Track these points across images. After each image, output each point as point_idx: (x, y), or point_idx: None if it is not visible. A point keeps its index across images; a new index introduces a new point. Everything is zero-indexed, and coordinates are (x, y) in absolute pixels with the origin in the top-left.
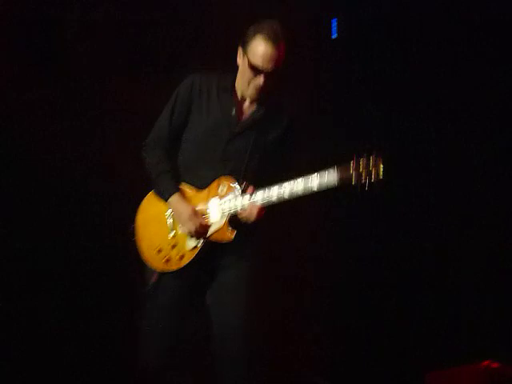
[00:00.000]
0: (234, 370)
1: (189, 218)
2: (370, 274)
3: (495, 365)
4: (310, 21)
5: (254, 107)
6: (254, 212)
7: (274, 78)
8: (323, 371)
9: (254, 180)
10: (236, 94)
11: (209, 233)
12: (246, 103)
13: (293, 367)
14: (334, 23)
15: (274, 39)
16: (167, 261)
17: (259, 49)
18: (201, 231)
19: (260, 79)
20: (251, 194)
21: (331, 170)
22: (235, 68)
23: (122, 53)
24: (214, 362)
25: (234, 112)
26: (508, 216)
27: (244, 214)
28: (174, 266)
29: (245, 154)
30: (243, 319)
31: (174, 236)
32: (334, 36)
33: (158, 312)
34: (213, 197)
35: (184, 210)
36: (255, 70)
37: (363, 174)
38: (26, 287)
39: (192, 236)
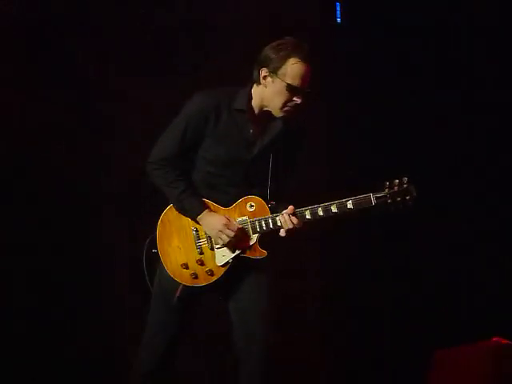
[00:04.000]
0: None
1: (224, 227)
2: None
3: (504, 341)
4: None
5: (270, 125)
6: (293, 228)
7: (307, 96)
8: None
9: (278, 196)
10: (252, 112)
11: (240, 250)
12: (262, 122)
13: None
14: (338, 7)
15: (307, 58)
16: (195, 277)
17: (297, 70)
18: (235, 240)
19: (299, 99)
20: (289, 214)
21: (368, 194)
22: (243, 81)
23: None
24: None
25: (251, 132)
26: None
27: (284, 232)
28: (204, 281)
29: (267, 172)
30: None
31: (200, 252)
32: (338, 21)
33: (167, 314)
34: (242, 215)
35: (218, 221)
36: (294, 91)
37: (398, 194)
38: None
39: (230, 246)
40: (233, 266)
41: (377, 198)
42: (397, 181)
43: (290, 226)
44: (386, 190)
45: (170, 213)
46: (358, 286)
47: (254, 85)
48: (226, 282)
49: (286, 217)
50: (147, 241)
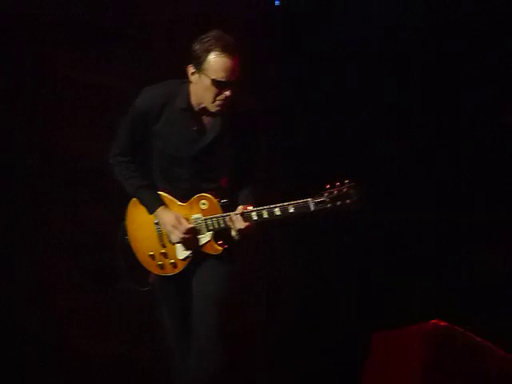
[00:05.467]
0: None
1: (175, 227)
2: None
3: (442, 324)
4: None
5: (214, 119)
6: (243, 229)
7: (237, 87)
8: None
9: (230, 190)
10: (194, 110)
11: (198, 246)
12: (206, 117)
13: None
14: None
15: (229, 51)
16: (161, 267)
17: (219, 64)
18: (188, 238)
19: (227, 92)
20: (241, 213)
21: (307, 201)
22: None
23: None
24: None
25: (195, 129)
26: None
27: (234, 232)
28: (169, 271)
29: (216, 165)
30: (218, 292)
31: (163, 245)
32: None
33: (167, 311)
34: (196, 213)
35: (170, 219)
36: (220, 84)
37: (338, 198)
38: None
39: (181, 243)
40: (195, 258)
41: (316, 203)
42: (337, 183)
43: (238, 227)
44: (326, 195)
45: (135, 204)
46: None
47: (191, 84)
48: (190, 272)
49: (234, 217)
50: (119, 228)
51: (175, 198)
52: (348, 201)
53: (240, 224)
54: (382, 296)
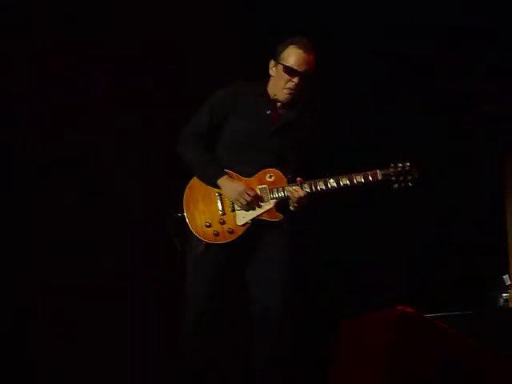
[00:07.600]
0: (276, 329)
1: (243, 191)
2: None
3: (408, 310)
4: None
5: (286, 109)
6: (301, 200)
7: (305, 82)
8: None
9: (292, 173)
10: (269, 97)
11: (259, 212)
12: (279, 106)
13: None
14: None
15: (305, 48)
16: (217, 234)
17: (293, 54)
18: (254, 202)
19: (295, 80)
20: (300, 185)
21: (375, 170)
22: (264, 76)
23: None
24: (254, 326)
25: (269, 112)
26: None
27: (293, 202)
28: (223, 239)
29: (282, 149)
30: (285, 284)
31: (223, 213)
32: None
33: (201, 278)
34: (261, 184)
35: (237, 185)
36: (290, 72)
37: (401, 173)
38: None
39: (245, 208)
40: (254, 233)
41: (383, 174)
42: (400, 164)
43: (296, 195)
44: (391, 169)
45: (196, 181)
46: None
47: (270, 78)
48: (247, 251)
49: (298, 187)
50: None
51: (240, 175)
52: (409, 177)
53: (302, 192)
54: (352, 282)
